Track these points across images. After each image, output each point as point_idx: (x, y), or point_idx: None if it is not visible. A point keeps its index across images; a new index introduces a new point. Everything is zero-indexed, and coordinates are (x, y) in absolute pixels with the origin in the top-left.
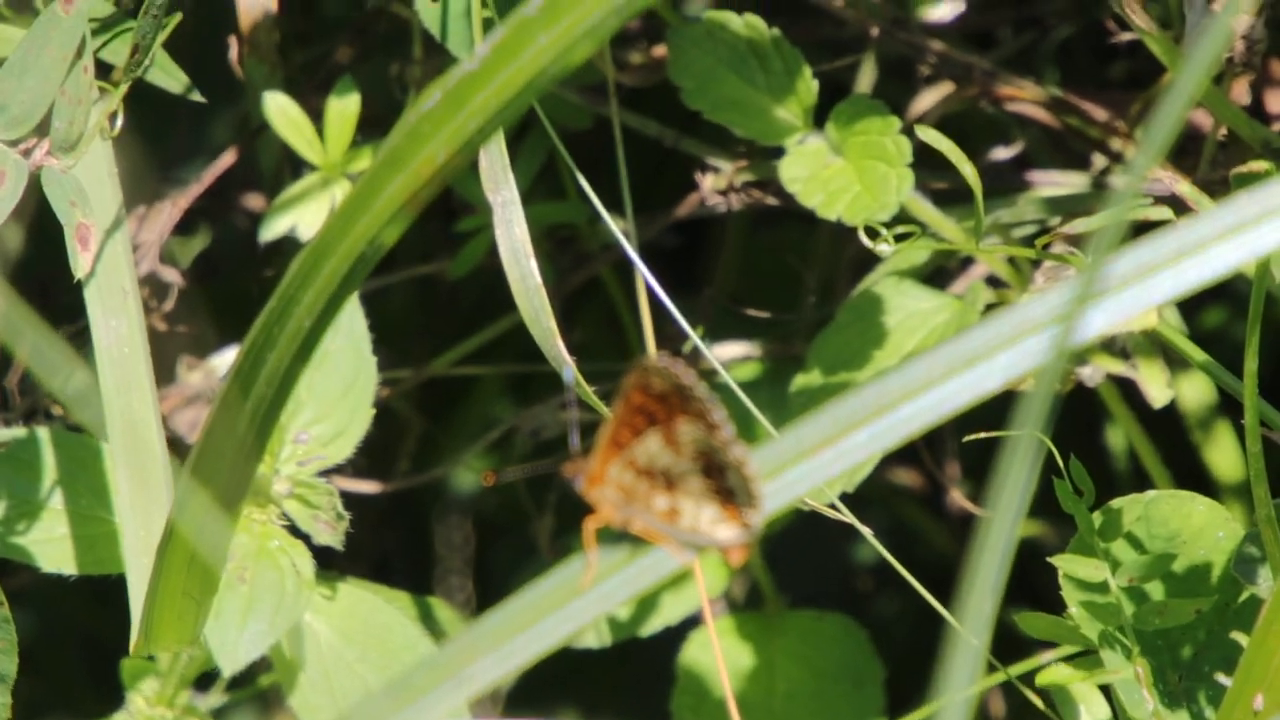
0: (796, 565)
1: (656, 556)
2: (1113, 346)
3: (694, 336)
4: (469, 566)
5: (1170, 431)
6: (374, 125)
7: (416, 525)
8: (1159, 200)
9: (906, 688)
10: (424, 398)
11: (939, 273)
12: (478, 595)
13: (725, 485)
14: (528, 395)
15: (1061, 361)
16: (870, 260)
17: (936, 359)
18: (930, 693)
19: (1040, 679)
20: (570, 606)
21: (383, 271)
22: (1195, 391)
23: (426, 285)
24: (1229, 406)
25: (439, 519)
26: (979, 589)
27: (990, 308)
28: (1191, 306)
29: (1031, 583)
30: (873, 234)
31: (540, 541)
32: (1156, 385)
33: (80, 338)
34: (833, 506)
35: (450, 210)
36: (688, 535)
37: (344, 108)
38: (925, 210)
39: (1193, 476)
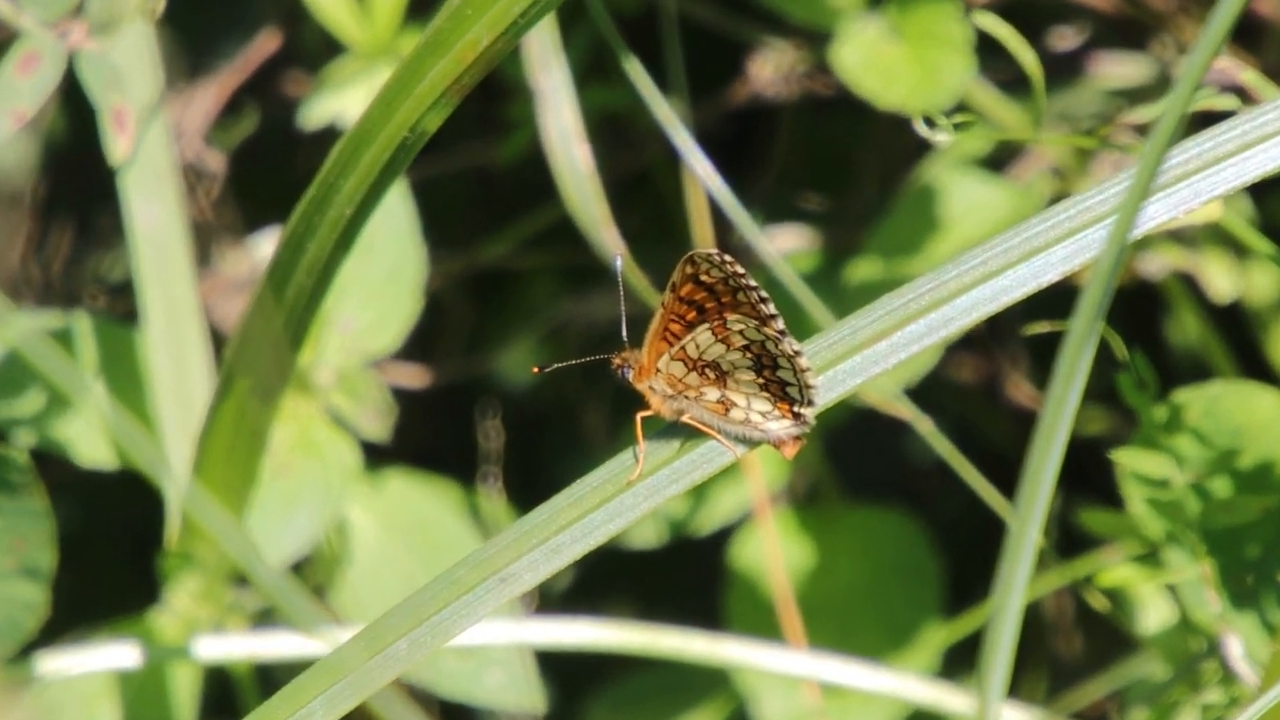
0: (856, 461)
1: (708, 449)
2: (1181, 238)
3: (747, 226)
4: (503, 460)
5: (1235, 327)
6: (426, 6)
7: (466, 418)
8: (1225, 89)
9: (969, 587)
10: (474, 288)
11: (1000, 162)
12: (531, 490)
13: (777, 378)
14: (582, 287)
15: (1119, 253)
16: (929, 148)
17: (995, 250)
18: (990, 591)
19: (1102, 579)
20: (618, 500)
21: (433, 158)
22: (1263, 285)
23: (479, 174)
24: None
25: (482, 412)
26: (1036, 482)
27: (1054, 199)
28: (1267, 197)
29: (1098, 483)
30: (930, 123)
31: (593, 435)
32: (1221, 278)
33: (120, 224)
34: (891, 400)
35: (506, 96)
36: (739, 428)
37: None
38: (986, 98)
39: (1258, 372)
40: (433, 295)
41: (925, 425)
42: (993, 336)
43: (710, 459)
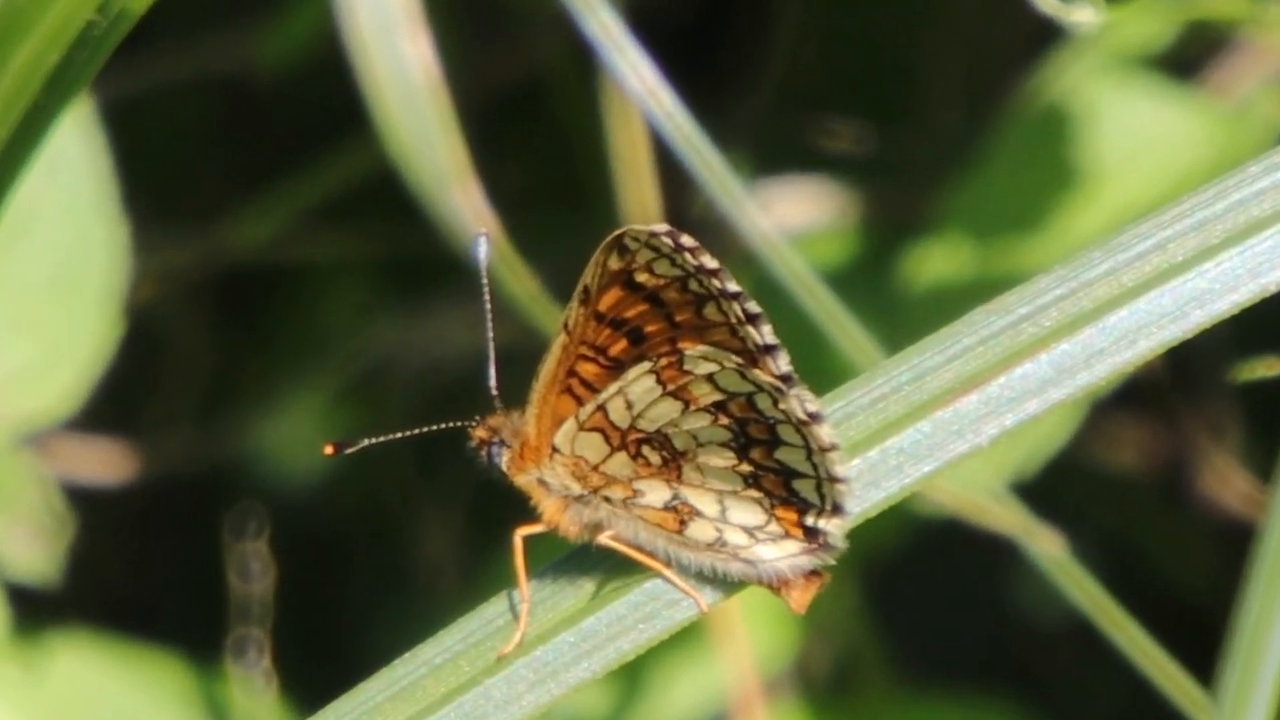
0: (926, 614)
1: (648, 596)
2: None
3: (722, 181)
4: (272, 617)
5: None
6: None
7: (205, 538)
8: None
9: None
10: (220, 299)
11: (1189, 64)
12: (321, 670)
13: (777, 463)
14: (416, 295)
15: None
16: (1058, 38)
17: (1181, 224)
18: None
19: None
20: (480, 691)
21: (143, 63)
22: None
23: (228, 90)
24: None
25: (235, 529)
26: (1258, 652)
27: None
28: None
29: None
30: None
31: (435, 569)
32: None
33: None
34: (989, 505)
35: None
36: (707, 557)
37: None
38: None
39: None
40: (143, 313)
41: (1051, 548)
42: (1178, 387)
43: (652, 615)
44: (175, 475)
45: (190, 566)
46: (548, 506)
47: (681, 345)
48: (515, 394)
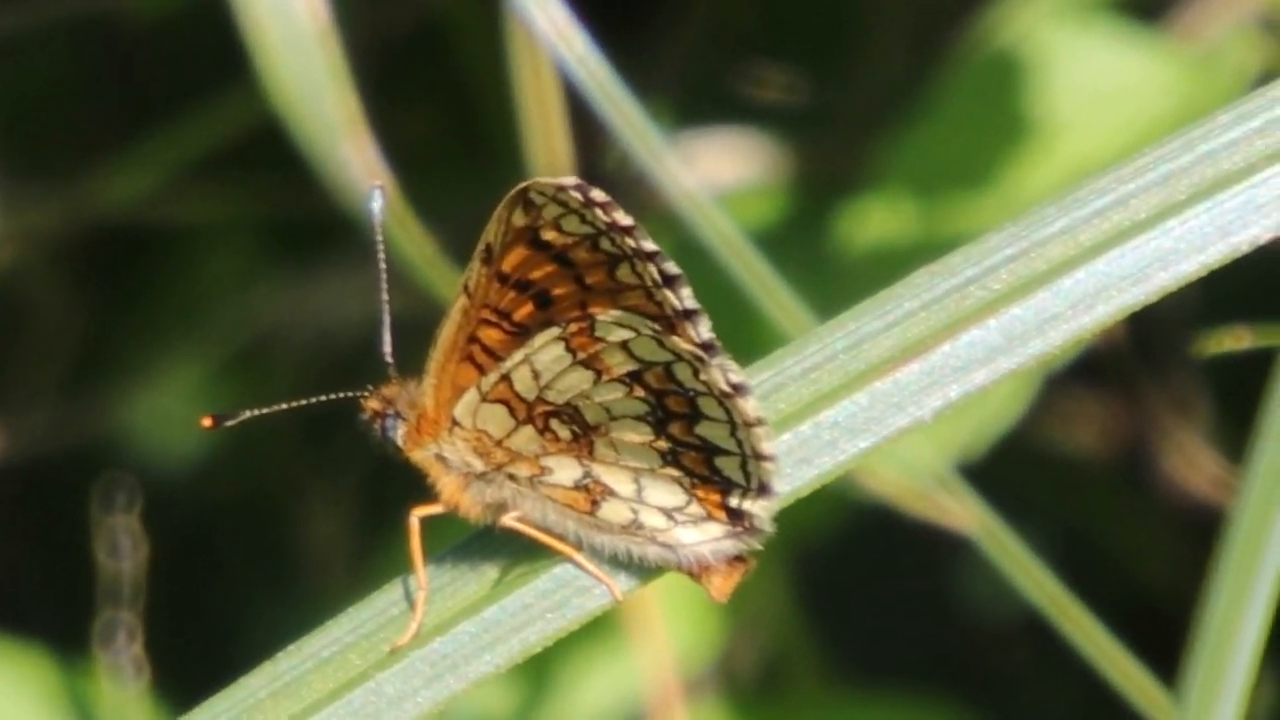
0: (861, 607)
1: (557, 583)
2: None
3: (640, 133)
4: (143, 602)
5: None
6: None
7: (70, 520)
8: None
9: None
10: (87, 262)
11: (1153, 6)
12: (199, 662)
13: (698, 440)
14: (303, 257)
15: None
16: None
17: (1145, 177)
18: None
19: None
20: (371, 687)
21: (4, 2)
22: None
23: (98, 35)
24: None
25: (105, 506)
26: (1223, 651)
27: (1262, 79)
28: None
29: None
30: None
31: (322, 554)
32: None
33: None
34: (929, 489)
35: None
36: (621, 540)
37: None
38: None
39: None
40: (5, 277)
41: (1001, 536)
42: (1140, 360)
43: (561, 603)
44: (40, 453)
45: (56, 552)
46: (447, 485)
47: (593, 310)
48: (412, 364)
